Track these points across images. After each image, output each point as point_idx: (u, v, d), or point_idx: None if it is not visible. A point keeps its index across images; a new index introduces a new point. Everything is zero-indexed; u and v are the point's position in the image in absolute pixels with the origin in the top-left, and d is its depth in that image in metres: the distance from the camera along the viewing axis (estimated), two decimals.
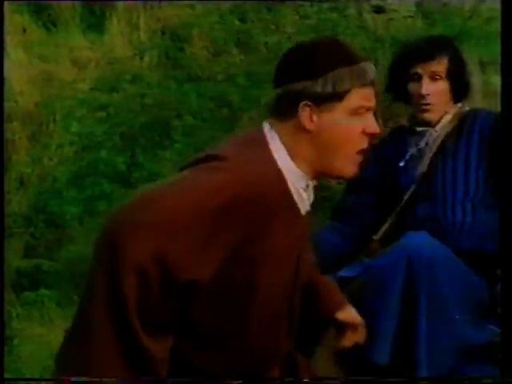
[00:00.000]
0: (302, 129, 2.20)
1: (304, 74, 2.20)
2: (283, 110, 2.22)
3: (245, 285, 2.18)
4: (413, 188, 3.43)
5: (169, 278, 2.04)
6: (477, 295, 3.22)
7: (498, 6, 5.48)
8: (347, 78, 2.19)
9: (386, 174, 3.52)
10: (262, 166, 2.17)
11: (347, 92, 2.19)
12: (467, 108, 3.59)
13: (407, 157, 3.47)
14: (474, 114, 3.55)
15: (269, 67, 5.27)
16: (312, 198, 2.29)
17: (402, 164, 3.47)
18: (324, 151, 2.22)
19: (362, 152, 2.24)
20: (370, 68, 2.24)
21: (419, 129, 3.49)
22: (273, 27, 5.79)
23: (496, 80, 5.16)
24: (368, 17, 5.65)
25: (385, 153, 3.54)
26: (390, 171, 3.51)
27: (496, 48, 5.41)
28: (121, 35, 5.95)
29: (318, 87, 2.18)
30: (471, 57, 5.15)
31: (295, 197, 2.22)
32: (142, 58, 5.84)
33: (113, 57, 5.84)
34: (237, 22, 6.03)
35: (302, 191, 2.23)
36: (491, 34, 5.11)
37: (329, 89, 2.18)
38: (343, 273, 3.26)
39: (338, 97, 2.19)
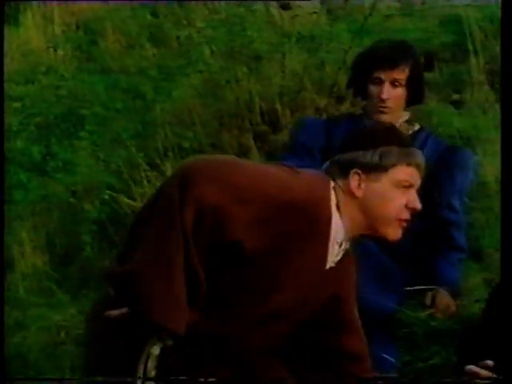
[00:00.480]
0: (351, 193, 2.52)
1: (358, 146, 2.55)
2: (338, 172, 2.55)
3: (270, 275, 2.45)
4: None
5: (217, 231, 2.31)
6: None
7: (396, 4, 5.83)
8: (394, 154, 2.52)
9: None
10: (317, 192, 2.49)
11: (393, 166, 2.52)
12: (418, 126, 3.86)
13: None
14: (426, 132, 3.84)
15: (180, 61, 5.48)
16: (339, 257, 2.57)
17: None
18: (369, 216, 2.53)
19: (402, 222, 2.55)
20: (417, 153, 2.59)
21: None
22: (184, 22, 5.94)
23: None
24: (275, 12, 5.85)
25: (337, 132, 3.77)
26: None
27: None
28: (36, 28, 6.03)
29: (368, 157, 2.51)
30: None
31: (330, 246, 2.52)
32: (56, 51, 5.94)
33: (28, 49, 5.93)
34: (149, 17, 6.19)
35: (335, 243, 2.52)
36: (389, 31, 5.37)
37: (376, 160, 2.51)
38: None
39: (383, 168, 2.51)
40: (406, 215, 2.56)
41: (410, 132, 3.79)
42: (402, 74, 3.71)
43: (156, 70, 5.41)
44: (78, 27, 6.00)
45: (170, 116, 5.16)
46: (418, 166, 2.59)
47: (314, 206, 2.47)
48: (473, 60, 5.22)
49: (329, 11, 6.00)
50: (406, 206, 2.55)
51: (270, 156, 4.83)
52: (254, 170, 2.48)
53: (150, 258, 2.33)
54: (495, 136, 4.55)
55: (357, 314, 2.81)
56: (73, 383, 2.48)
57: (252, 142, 4.89)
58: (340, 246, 2.56)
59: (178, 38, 5.94)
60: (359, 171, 2.53)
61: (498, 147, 4.44)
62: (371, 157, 2.53)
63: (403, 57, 3.72)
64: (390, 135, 2.64)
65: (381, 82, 3.71)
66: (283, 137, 4.85)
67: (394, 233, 2.57)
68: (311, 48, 5.45)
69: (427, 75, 5.56)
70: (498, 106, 4.76)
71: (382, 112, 3.72)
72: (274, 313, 2.54)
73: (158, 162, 4.74)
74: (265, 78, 5.28)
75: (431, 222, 3.67)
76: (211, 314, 2.48)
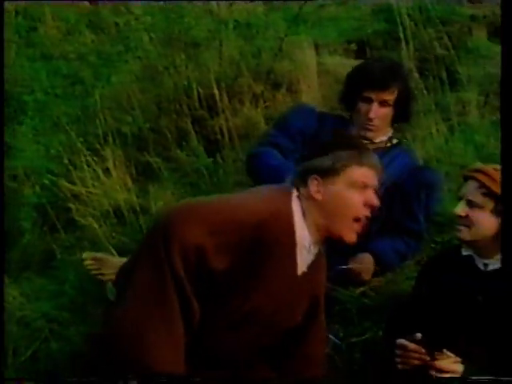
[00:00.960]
0: (312, 198, 2.72)
1: (314, 154, 2.77)
2: (302, 180, 2.75)
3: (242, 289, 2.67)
4: None
5: (200, 264, 2.56)
6: None
7: None
8: (345, 156, 2.72)
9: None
10: (277, 208, 2.69)
11: (345, 167, 2.71)
12: (396, 140, 4.01)
13: None
14: (400, 149, 3.99)
15: (119, 47, 5.52)
16: (310, 261, 2.78)
17: None
18: (329, 217, 2.72)
19: (362, 220, 2.75)
20: (369, 155, 2.79)
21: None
22: (122, 9, 5.97)
23: (328, 60, 5.59)
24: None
25: (326, 127, 3.90)
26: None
27: (329, 31, 5.87)
28: None
29: (322, 162, 2.72)
30: (307, 39, 5.58)
31: (298, 252, 2.72)
32: None
33: None
34: (87, 4, 6.20)
35: (303, 249, 2.72)
36: (324, 19, 5.50)
37: (329, 164, 2.71)
38: None
39: (336, 171, 2.71)
40: (365, 212, 2.76)
41: (385, 145, 3.95)
42: (391, 96, 3.86)
43: (95, 56, 5.43)
44: (17, 13, 5.98)
45: (110, 101, 5.21)
46: (372, 167, 2.78)
47: (276, 220, 2.67)
48: (403, 48, 5.34)
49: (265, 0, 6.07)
50: (365, 204, 2.75)
51: (208, 140, 4.94)
52: (223, 204, 2.71)
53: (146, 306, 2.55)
54: (425, 121, 4.74)
55: None
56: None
57: (190, 127, 4.97)
58: (308, 250, 2.76)
59: (116, 24, 5.98)
60: (317, 176, 2.73)
61: (426, 132, 4.65)
62: (325, 162, 2.72)
63: (394, 79, 3.85)
64: (341, 140, 2.86)
65: (370, 101, 3.85)
66: (221, 121, 4.95)
67: (350, 235, 2.76)
68: (248, 36, 5.55)
69: (359, 62, 5.75)
70: (426, 92, 4.94)
71: (369, 129, 3.89)
72: (249, 319, 2.73)
73: (98, 146, 4.78)
74: (202, 64, 5.35)
75: (393, 228, 3.84)
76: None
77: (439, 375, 2.76)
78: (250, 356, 2.84)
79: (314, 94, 5.20)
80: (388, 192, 3.79)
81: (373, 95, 3.84)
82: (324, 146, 2.82)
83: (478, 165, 3.09)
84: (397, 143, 4.02)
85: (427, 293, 3.06)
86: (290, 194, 2.76)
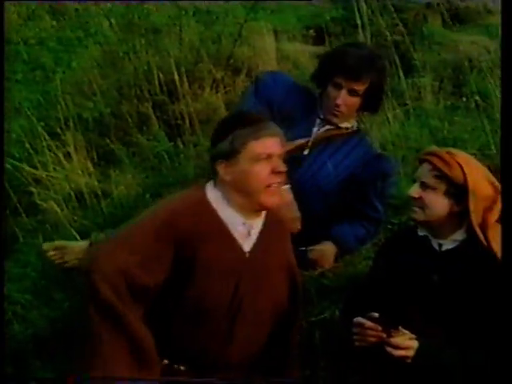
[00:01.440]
0: (224, 181, 2.87)
1: (217, 140, 2.90)
2: (213, 169, 2.89)
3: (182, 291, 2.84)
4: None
5: (131, 282, 2.76)
6: None
7: None
8: (241, 135, 2.84)
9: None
10: (192, 202, 2.87)
11: (243, 145, 2.84)
12: (356, 126, 4.03)
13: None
14: (360, 136, 4.01)
15: (79, 32, 5.52)
16: (256, 234, 2.94)
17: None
18: (244, 193, 2.86)
19: (273, 186, 2.88)
20: (266, 126, 2.90)
21: (325, 128, 3.92)
22: None
23: (287, 46, 5.64)
24: None
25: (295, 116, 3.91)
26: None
27: (288, 18, 5.93)
28: None
29: (223, 147, 2.86)
30: (266, 25, 5.62)
31: (233, 232, 2.88)
32: None
33: None
34: None
35: (237, 226, 2.88)
36: (283, 6, 5.54)
37: (228, 146, 2.85)
38: None
39: (237, 151, 2.84)
40: (276, 179, 2.89)
41: (346, 132, 3.97)
42: (361, 86, 3.83)
43: (55, 42, 5.42)
44: None
45: (70, 86, 5.22)
46: (271, 135, 2.90)
47: (194, 213, 2.87)
48: (360, 34, 5.41)
49: None
50: (272, 172, 2.87)
51: (169, 125, 4.99)
52: (137, 225, 2.92)
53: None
54: (381, 106, 4.82)
55: None
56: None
57: (151, 112, 5.01)
58: (245, 226, 2.91)
59: (76, 10, 5.97)
60: (222, 160, 2.88)
61: (382, 117, 4.73)
62: (225, 145, 2.86)
63: (368, 70, 3.82)
64: (236, 120, 2.97)
65: (340, 88, 3.84)
66: (181, 106, 4.99)
67: (270, 200, 2.90)
68: (208, 21, 5.59)
69: (318, 49, 5.83)
70: None
71: (334, 115, 3.90)
72: (205, 307, 2.88)
73: (59, 131, 4.81)
74: (163, 50, 5.38)
75: (353, 214, 3.90)
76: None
77: (395, 352, 2.83)
78: (225, 346, 2.94)
79: None
80: (347, 181, 3.89)
81: (343, 82, 3.83)
82: (222, 130, 2.94)
83: (432, 148, 3.16)
84: (357, 130, 4.06)
85: (384, 272, 3.12)
86: (202, 187, 2.95)
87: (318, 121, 3.93)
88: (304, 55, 5.65)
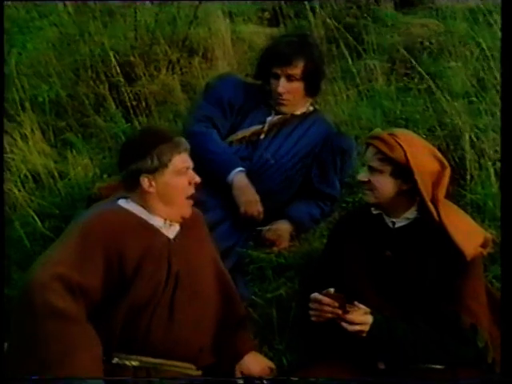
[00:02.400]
0: (147, 192, 3.07)
1: (137, 157, 3.06)
2: (130, 184, 3.09)
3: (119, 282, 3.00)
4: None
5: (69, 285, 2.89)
6: None
7: None
8: (166, 151, 3.07)
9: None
10: (106, 211, 3.08)
11: (170, 160, 3.06)
12: (312, 107, 4.10)
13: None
14: (317, 115, 4.09)
15: (33, 14, 5.48)
16: (177, 227, 3.15)
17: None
18: (167, 203, 3.10)
19: (191, 197, 3.13)
20: (181, 141, 3.13)
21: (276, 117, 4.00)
22: None
23: (242, 28, 5.68)
24: None
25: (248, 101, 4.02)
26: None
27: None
28: None
29: (149, 163, 3.05)
30: (221, 7, 5.65)
31: (157, 226, 3.10)
32: None
33: None
34: None
35: (161, 227, 3.10)
36: None
37: (156, 162, 3.05)
38: None
39: (164, 165, 3.06)
40: (192, 190, 3.14)
41: (302, 111, 4.06)
42: (296, 70, 3.93)
43: (9, 23, 5.37)
44: None
45: (26, 68, 5.20)
46: (186, 150, 3.15)
47: (120, 216, 3.08)
48: (314, 16, 5.50)
49: None
50: (190, 184, 3.13)
51: (125, 106, 5.01)
52: (71, 232, 3.07)
53: None
54: (335, 87, 4.89)
55: None
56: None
57: (107, 93, 5.02)
58: (169, 227, 3.15)
59: None
60: (147, 175, 3.07)
61: (336, 98, 4.80)
62: (151, 162, 3.06)
63: (297, 54, 3.92)
64: (157, 137, 3.14)
65: (278, 77, 3.95)
66: (137, 88, 5.01)
67: (189, 210, 3.16)
68: (162, 3, 5.59)
69: (272, 30, 5.87)
70: (336, 60, 5.11)
71: (281, 104, 3.99)
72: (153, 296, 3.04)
73: (15, 113, 4.82)
74: (118, 32, 5.40)
75: (309, 194, 3.98)
76: None
77: (350, 327, 2.91)
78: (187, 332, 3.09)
79: (229, 60, 5.29)
80: (305, 159, 3.97)
81: (279, 71, 3.94)
82: (141, 147, 3.10)
83: (376, 131, 3.21)
84: (313, 111, 4.13)
85: (339, 250, 3.20)
86: (115, 203, 3.15)
87: (271, 112, 4.03)
88: (259, 37, 5.68)
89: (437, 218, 3.02)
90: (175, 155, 3.09)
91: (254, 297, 3.66)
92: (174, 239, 3.15)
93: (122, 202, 3.15)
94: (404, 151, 3.01)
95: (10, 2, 5.56)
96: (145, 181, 3.08)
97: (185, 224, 3.19)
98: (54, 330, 2.83)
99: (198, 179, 3.16)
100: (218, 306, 3.19)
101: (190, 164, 3.16)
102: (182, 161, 3.12)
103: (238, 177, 3.81)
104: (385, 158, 3.05)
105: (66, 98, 5.04)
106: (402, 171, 3.03)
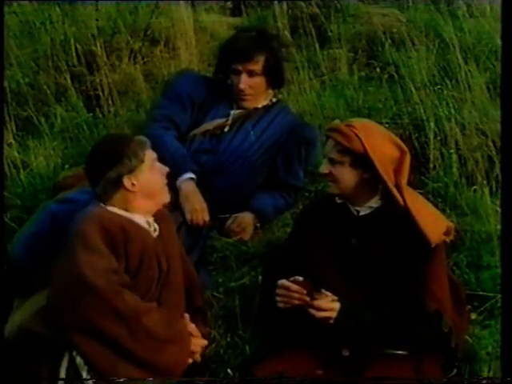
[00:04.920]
0: (129, 192, 3.16)
1: (113, 163, 3.14)
2: (108, 192, 3.16)
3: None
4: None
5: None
6: None
7: None
8: (138, 148, 3.19)
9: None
10: (97, 214, 3.13)
11: (144, 155, 3.18)
12: (275, 99, 4.11)
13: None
14: (281, 106, 4.10)
15: None
16: (157, 229, 3.25)
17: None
18: (150, 196, 3.20)
19: (167, 185, 3.25)
20: (142, 137, 3.26)
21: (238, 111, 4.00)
22: None
23: (205, 18, 5.68)
24: None
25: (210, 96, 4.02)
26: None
27: None
28: None
29: (128, 163, 3.15)
30: None
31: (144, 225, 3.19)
32: None
33: None
34: None
35: (144, 225, 3.18)
36: None
37: (134, 160, 3.15)
38: None
39: (141, 161, 3.17)
40: (165, 180, 3.27)
41: (264, 104, 4.05)
42: (256, 65, 3.93)
43: None
44: None
45: None
46: (149, 145, 3.25)
47: (116, 218, 3.15)
48: (277, 6, 5.50)
49: None
50: (162, 174, 3.26)
51: (87, 96, 4.99)
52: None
53: None
54: (298, 77, 4.91)
55: None
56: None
57: (69, 83, 4.99)
58: (151, 224, 3.23)
59: None
60: (128, 175, 3.15)
61: (300, 87, 4.82)
62: (129, 161, 3.16)
63: (257, 49, 3.92)
64: (122, 142, 3.23)
65: (239, 73, 3.94)
66: (99, 77, 4.98)
67: (167, 198, 3.28)
68: None
69: (235, 20, 5.88)
70: (298, 49, 5.12)
71: (243, 100, 3.99)
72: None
73: None
74: (79, 20, 5.35)
75: (274, 184, 4.00)
76: None
77: (317, 314, 2.94)
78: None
79: (191, 50, 5.26)
80: (270, 150, 3.98)
81: (240, 67, 3.94)
82: (116, 154, 3.17)
83: (333, 123, 3.23)
84: (276, 101, 4.13)
85: (304, 238, 3.21)
86: (97, 203, 3.21)
87: (233, 105, 4.03)
88: (221, 26, 5.68)
89: (402, 204, 3.04)
90: (146, 150, 3.21)
91: (215, 293, 3.68)
92: (158, 238, 3.23)
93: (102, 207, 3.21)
94: (361, 141, 3.04)
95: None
96: (126, 181, 3.16)
97: (161, 222, 3.27)
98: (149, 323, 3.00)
99: (166, 168, 3.27)
100: (184, 297, 3.27)
101: (156, 156, 3.26)
102: (150, 154, 3.23)
103: (186, 184, 3.82)
104: (343, 150, 3.07)
105: (27, 88, 4.99)
106: (362, 161, 3.06)
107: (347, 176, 3.09)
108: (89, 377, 2.98)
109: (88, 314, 2.95)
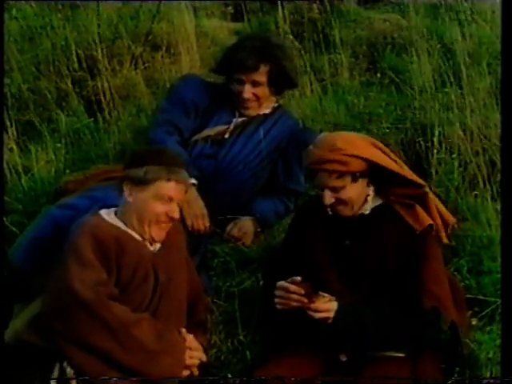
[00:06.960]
0: (126, 201, 3.12)
1: (131, 164, 3.12)
2: (119, 186, 3.13)
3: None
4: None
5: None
6: None
7: None
8: (156, 171, 3.08)
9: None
10: (92, 225, 3.10)
11: (155, 180, 3.07)
12: (277, 104, 4.09)
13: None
14: (282, 111, 4.08)
15: None
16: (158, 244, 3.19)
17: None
18: (138, 218, 3.12)
19: (164, 227, 3.13)
20: (180, 171, 3.12)
21: (240, 119, 3.98)
22: None
23: (206, 23, 5.68)
24: None
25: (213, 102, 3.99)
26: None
27: None
28: None
29: (136, 173, 3.08)
30: (184, 2, 5.63)
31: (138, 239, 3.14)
32: None
33: None
34: None
35: (139, 238, 3.13)
36: None
37: (141, 175, 3.08)
38: None
39: (147, 181, 3.08)
40: (166, 221, 3.14)
41: (266, 111, 4.04)
42: (261, 77, 3.90)
43: None
44: None
45: None
46: (180, 182, 3.13)
47: (111, 229, 3.12)
48: (279, 12, 5.48)
49: None
50: (167, 215, 3.12)
51: (88, 101, 4.99)
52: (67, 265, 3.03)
53: None
54: (300, 81, 4.89)
55: None
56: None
57: (70, 88, 5.00)
58: (141, 236, 3.16)
59: None
60: (130, 183, 3.11)
61: (301, 92, 4.82)
62: (138, 172, 3.09)
63: (260, 60, 3.88)
64: (154, 156, 3.16)
65: (242, 83, 3.91)
66: (100, 82, 4.98)
67: (159, 233, 3.16)
68: None
69: (236, 25, 5.88)
70: (301, 54, 5.12)
71: (246, 108, 3.98)
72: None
73: None
74: (81, 25, 5.36)
75: (275, 190, 4.00)
76: None
77: (315, 315, 2.93)
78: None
79: (192, 55, 5.27)
80: (271, 155, 3.98)
81: (243, 77, 3.91)
82: (140, 159, 3.15)
83: (316, 156, 3.06)
84: (277, 106, 4.12)
85: (300, 239, 3.20)
86: (97, 213, 3.18)
87: (236, 113, 4.02)
88: (222, 31, 5.70)
89: (425, 183, 3.10)
90: (162, 180, 3.09)
91: (215, 299, 3.67)
92: (159, 251, 3.19)
93: (104, 213, 3.18)
94: (359, 157, 3.02)
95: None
96: (127, 187, 3.11)
97: (168, 233, 3.20)
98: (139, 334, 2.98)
99: (176, 215, 3.14)
100: (186, 309, 3.26)
101: (176, 196, 3.13)
102: (167, 188, 3.10)
103: None
104: (342, 174, 3.03)
105: (28, 93, 5.00)
106: (361, 173, 3.05)
107: (353, 193, 3.07)
108: None
109: (78, 326, 2.93)
